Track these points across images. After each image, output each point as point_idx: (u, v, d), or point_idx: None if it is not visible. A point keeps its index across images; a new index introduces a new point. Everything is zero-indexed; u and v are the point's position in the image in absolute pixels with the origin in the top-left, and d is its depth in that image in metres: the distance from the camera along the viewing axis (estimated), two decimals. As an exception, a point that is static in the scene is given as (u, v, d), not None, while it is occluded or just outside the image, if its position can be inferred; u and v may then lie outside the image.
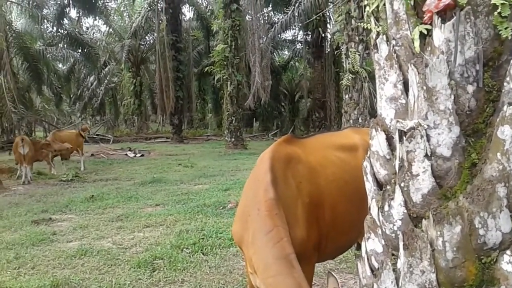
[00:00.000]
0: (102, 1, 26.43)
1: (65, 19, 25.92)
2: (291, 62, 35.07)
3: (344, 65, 13.40)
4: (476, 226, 2.03)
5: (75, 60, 30.00)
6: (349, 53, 12.65)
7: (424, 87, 2.08)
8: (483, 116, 2.11)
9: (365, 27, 2.64)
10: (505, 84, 2.01)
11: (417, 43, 2.16)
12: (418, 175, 2.17)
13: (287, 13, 21.69)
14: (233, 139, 21.97)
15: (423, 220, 2.18)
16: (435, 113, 2.10)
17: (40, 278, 4.66)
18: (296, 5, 19.62)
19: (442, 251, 2.08)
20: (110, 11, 31.05)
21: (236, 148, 21.41)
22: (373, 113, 12.10)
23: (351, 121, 12.82)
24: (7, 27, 20.22)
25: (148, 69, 35.97)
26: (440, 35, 2.08)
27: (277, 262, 2.37)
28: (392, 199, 2.31)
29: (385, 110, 2.41)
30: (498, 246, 2.05)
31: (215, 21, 23.20)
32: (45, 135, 23.84)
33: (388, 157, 2.42)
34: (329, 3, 20.35)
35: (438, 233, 2.08)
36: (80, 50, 26.95)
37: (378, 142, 2.44)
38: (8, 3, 22.53)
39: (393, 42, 2.32)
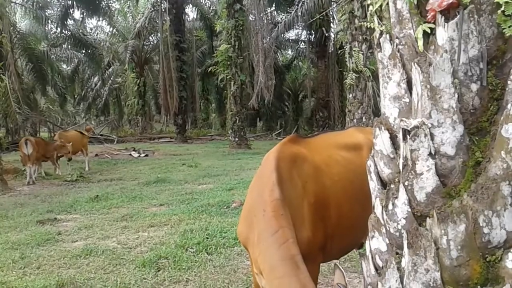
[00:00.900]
0: (105, 2, 26.52)
1: (69, 20, 26.06)
2: (295, 61, 35.08)
3: (348, 64, 13.37)
4: (481, 225, 2.03)
5: (79, 60, 30.13)
6: (353, 52, 12.61)
7: (428, 86, 2.08)
8: (487, 115, 2.10)
9: (369, 26, 2.64)
10: (509, 82, 2.01)
11: (420, 42, 2.16)
12: (422, 173, 2.17)
13: (291, 12, 21.73)
14: (237, 139, 21.98)
15: (427, 218, 2.18)
16: (439, 111, 2.10)
17: (45, 278, 4.69)
18: (300, 4, 19.64)
19: (446, 249, 2.08)
20: (114, 12, 31.12)
21: (240, 147, 21.42)
22: (376, 112, 12.09)
23: (355, 120, 12.79)
24: (11, 28, 20.30)
25: (152, 69, 36.03)
26: (444, 34, 2.08)
27: (283, 264, 2.36)
28: (396, 198, 2.31)
29: (389, 109, 2.41)
30: (502, 245, 2.04)
31: (219, 21, 23.20)
32: (50, 135, 23.98)
33: (392, 156, 2.42)
34: (332, 3, 20.31)
35: (443, 231, 2.08)
36: (84, 51, 27.09)
37: (382, 141, 2.44)
38: (12, 4, 22.64)
39: (397, 41, 2.32)
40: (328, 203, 2.92)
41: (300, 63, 35.83)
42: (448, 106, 2.08)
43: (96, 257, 5.42)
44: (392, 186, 2.41)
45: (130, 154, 20.12)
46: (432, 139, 2.12)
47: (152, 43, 33.56)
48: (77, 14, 26.68)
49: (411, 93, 2.25)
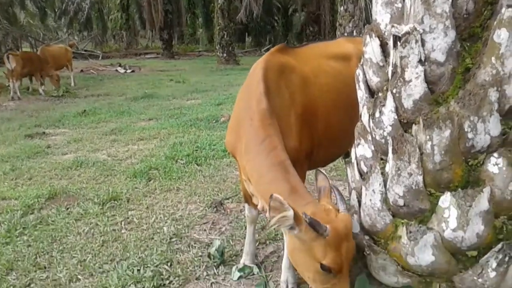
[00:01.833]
0: None
1: None
2: (285, -28, 33.47)
3: (340, -25, 12.85)
4: (466, 130, 2.08)
5: (58, -30, 28.41)
6: (345, -38, 12.07)
7: (422, -11, 2.02)
8: (480, 20, 2.07)
9: None
10: (505, -15, 1.96)
11: None
12: (410, 81, 2.17)
13: None
14: (225, 55, 21.57)
15: (413, 125, 2.22)
16: (431, 16, 2.05)
17: (37, 188, 4.79)
18: None
19: (430, 154, 2.14)
20: None
21: (228, 63, 21.09)
22: (368, 26, 11.81)
23: (345, 34, 12.54)
24: None
25: (134, -20, 34.24)
26: None
27: (272, 169, 2.41)
28: (384, 105, 2.33)
29: (380, 15, 2.36)
30: (485, 149, 2.11)
31: None
32: (32, 50, 23.21)
33: (381, 64, 2.41)
34: None
35: (427, 137, 2.13)
36: (62, -40, 25.43)
37: (372, 49, 2.41)
38: None
39: None
40: (315, 113, 2.93)
41: (290, -26, 34.23)
42: (441, 11, 2.03)
43: (87, 168, 5.51)
44: (380, 94, 2.42)
45: (116, 70, 19.73)
46: (423, 45, 2.10)
47: (134, -49, 31.57)
48: None
49: (404, -2, 2.19)
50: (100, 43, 34.28)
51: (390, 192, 2.30)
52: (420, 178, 2.19)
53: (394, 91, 2.26)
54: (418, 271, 2.27)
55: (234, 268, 3.13)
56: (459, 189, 2.11)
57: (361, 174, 2.61)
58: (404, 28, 2.15)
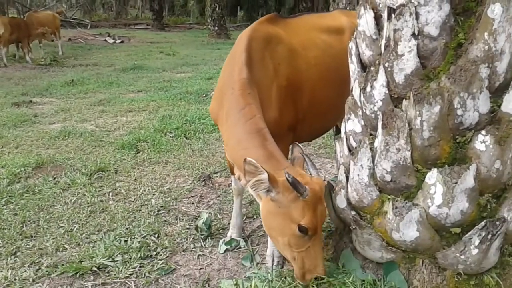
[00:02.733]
0: None
1: None
2: None
3: None
4: (455, 106, 2.07)
5: None
6: None
7: (419, -40, 1.98)
8: (475, -6, 2.04)
9: None
10: (502, -41, 1.93)
11: None
12: (403, 55, 2.15)
13: None
14: (216, 28, 21.30)
15: (404, 100, 2.21)
16: (426, -11, 2.02)
17: (24, 157, 4.73)
18: None
19: (419, 130, 2.14)
20: None
21: (219, 37, 20.82)
22: (361, 2, 11.66)
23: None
24: None
25: None
26: None
27: (249, 137, 2.43)
28: (375, 80, 2.32)
29: (376, -13, 2.31)
30: (473, 127, 2.11)
31: None
32: (19, 17, 22.67)
33: (374, 37, 2.38)
34: None
35: (417, 112, 2.12)
36: None
37: (366, 21, 2.38)
38: None
39: None
40: (300, 86, 2.91)
41: None
42: (437, -16, 2.00)
43: (75, 138, 5.45)
44: (372, 68, 2.39)
45: (105, 40, 19.41)
46: (417, 18, 2.07)
47: None
48: None
49: (400, -31, 2.14)
50: (89, 12, 33.62)
51: (377, 167, 2.30)
52: (408, 154, 2.20)
53: (386, 65, 2.24)
54: (402, 247, 2.29)
55: (221, 241, 3.15)
56: (446, 166, 2.12)
57: (350, 149, 2.61)
58: (399, 0, 2.12)
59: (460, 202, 2.09)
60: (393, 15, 2.11)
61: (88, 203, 3.76)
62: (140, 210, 3.66)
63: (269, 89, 2.71)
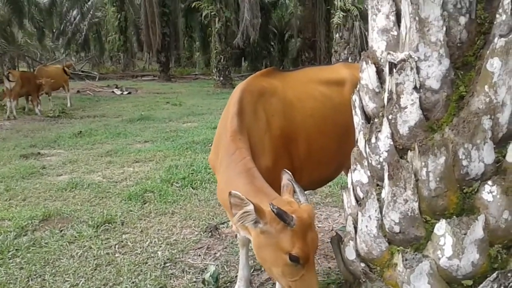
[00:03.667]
0: None
1: None
2: (281, -1, 34.05)
3: (336, 3, 13.13)
4: (460, 157, 2.10)
5: (57, -8, 28.74)
6: (341, -10, 12.32)
7: (417, 18, 2.07)
8: (474, 49, 2.12)
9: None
10: (497, 16, 2.01)
11: (412, -28, 2.12)
12: (406, 107, 2.20)
13: None
14: (221, 78, 21.74)
15: (409, 151, 2.24)
16: (426, 45, 2.10)
17: (32, 209, 4.75)
18: None
19: (425, 181, 2.16)
20: None
21: (224, 87, 21.20)
22: (363, 52, 11.99)
23: (340, 60, 12.72)
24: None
25: (133, 3, 34.58)
26: (436, -36, 2.04)
27: (238, 176, 2.48)
28: (380, 131, 2.36)
29: (377, 42, 2.40)
30: (480, 177, 2.13)
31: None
32: (29, 71, 23.30)
33: (377, 90, 2.44)
34: None
35: (423, 163, 2.14)
36: (61, -18, 25.77)
37: (368, 75, 2.45)
38: None
39: (388, -29, 2.27)
40: (296, 137, 2.98)
41: (286, 1, 34.78)
42: (436, 39, 2.08)
43: (82, 190, 5.48)
44: (376, 120, 2.44)
45: (113, 91, 19.81)
46: (418, 72, 2.14)
47: (133, -26, 32.07)
48: None
49: (399, 26, 2.24)
50: (97, 64, 34.49)
51: (386, 218, 2.30)
52: (415, 204, 2.20)
53: (390, 117, 2.29)
54: (414, 299, 2.25)
55: (228, 294, 3.10)
56: (454, 216, 2.12)
57: (357, 200, 2.61)
58: (400, 55, 2.20)
59: (471, 253, 2.07)
60: (394, 70, 2.18)
61: (94, 256, 3.73)
62: (146, 263, 3.62)
63: (262, 139, 2.80)
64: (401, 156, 2.30)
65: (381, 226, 2.35)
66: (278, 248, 2.15)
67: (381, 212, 2.36)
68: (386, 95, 2.33)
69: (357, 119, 2.66)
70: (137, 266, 3.56)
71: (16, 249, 3.84)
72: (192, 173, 6.03)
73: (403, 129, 2.25)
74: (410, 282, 2.19)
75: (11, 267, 3.53)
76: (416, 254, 2.20)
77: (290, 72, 3.41)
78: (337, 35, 13.23)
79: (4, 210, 4.79)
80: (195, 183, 5.64)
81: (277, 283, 2.81)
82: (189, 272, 3.47)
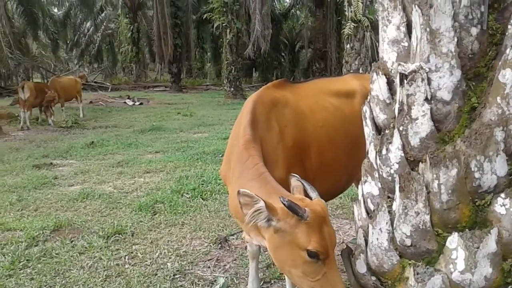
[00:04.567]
0: None
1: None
2: (292, 10, 34.21)
3: (347, 14, 13.14)
4: (472, 169, 2.07)
5: (71, 4, 29.29)
6: (352, 1, 12.35)
7: (428, 29, 2.05)
8: (485, 60, 2.09)
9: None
10: (509, 27, 1.99)
11: (422, -16, 2.11)
12: (417, 118, 2.18)
13: (289, -43, 20.95)
14: (232, 89, 21.83)
15: (420, 163, 2.21)
16: (437, 56, 2.08)
17: (43, 220, 4.78)
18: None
19: (437, 193, 2.12)
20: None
21: (235, 98, 21.29)
22: (374, 63, 11.99)
23: (351, 71, 12.70)
24: (0, -31, 19.49)
25: (145, 15, 35.09)
26: (447, -25, 2.03)
27: (252, 181, 2.46)
28: (390, 143, 2.33)
29: (387, 54, 2.39)
30: (492, 189, 2.09)
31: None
32: (43, 81, 23.66)
33: (388, 101, 2.42)
34: None
35: (434, 176, 2.12)
36: (75, -6, 26.24)
37: (379, 86, 2.43)
38: None
39: (398, -18, 2.27)
40: (308, 147, 2.97)
41: (297, 11, 34.96)
42: (447, 50, 2.06)
43: (93, 200, 5.50)
44: (386, 131, 2.42)
45: (125, 102, 20.00)
46: (429, 83, 2.12)
47: (145, -14, 32.50)
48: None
49: (410, 37, 2.22)
50: (110, 75, 34.88)
51: (397, 231, 2.27)
52: (427, 217, 2.17)
53: (400, 128, 2.27)
54: (426, 314, 2.21)
55: (238, 306, 3.07)
56: (467, 229, 2.08)
57: (368, 212, 2.58)
58: (411, 66, 2.18)
59: (483, 267, 2.03)
60: (405, 81, 2.17)
61: (104, 267, 3.73)
62: (156, 274, 3.61)
63: (275, 149, 2.79)
64: (412, 168, 2.27)
65: (392, 239, 2.32)
66: (294, 245, 2.10)
67: (392, 224, 2.33)
68: (397, 106, 2.31)
69: (368, 130, 2.63)
70: (146, 277, 3.55)
71: (27, 260, 3.86)
72: (202, 184, 6.04)
73: (414, 141, 2.23)
74: (422, 296, 2.15)
75: (22, 278, 3.55)
76: (428, 268, 2.16)
77: (301, 84, 3.42)
78: (348, 46, 13.23)
79: (16, 220, 4.83)
80: (205, 194, 5.64)
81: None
82: (199, 284, 3.45)
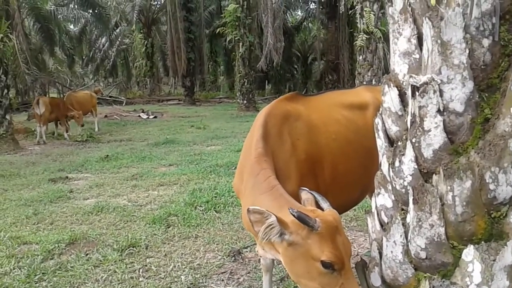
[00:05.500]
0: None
1: (74, -22, 25.61)
2: (304, 23, 34.40)
3: (359, 25, 13.16)
4: (487, 181, 2.04)
5: (86, 21, 29.78)
6: (364, 13, 12.37)
7: (439, 41, 2.06)
8: (498, 71, 2.08)
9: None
10: (521, 37, 1.98)
11: (432, -4, 2.11)
12: (429, 130, 2.17)
13: (301, -29, 21.12)
14: (245, 102, 21.92)
15: (434, 175, 2.19)
16: (449, 67, 2.07)
17: (58, 233, 4.83)
18: (310, -37, 19.07)
19: (451, 205, 2.11)
20: (120, -30, 30.53)
21: (248, 110, 21.36)
22: (387, 74, 11.97)
23: (364, 82, 12.69)
24: (18, -13, 19.96)
25: (159, 30, 35.61)
26: (457, -13, 2.03)
27: (264, 195, 2.46)
28: (403, 155, 2.32)
29: (398, 66, 2.39)
30: (508, 201, 2.06)
31: (227, -21, 22.71)
32: (59, 96, 24.04)
33: (400, 113, 2.42)
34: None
35: (448, 187, 2.10)
36: (91, 11, 26.73)
37: (391, 98, 2.43)
38: (17, -38, 22.20)
39: (408, -5, 2.28)
40: (321, 160, 2.96)
41: (309, 24, 35.12)
42: (459, 62, 2.05)
43: (108, 213, 5.55)
44: (399, 143, 2.41)
45: (139, 116, 20.21)
46: (441, 95, 2.11)
47: (159, 2, 33.02)
48: (83, -28, 26.18)
49: (421, 49, 2.22)
50: (125, 90, 35.31)
51: (411, 244, 2.25)
52: (442, 230, 2.15)
53: (413, 140, 2.26)
54: (443, 328, 2.18)
55: (251, 320, 3.06)
56: (483, 242, 2.05)
57: (381, 224, 2.56)
58: (422, 78, 2.18)
59: (500, 280, 1.99)
60: (417, 93, 2.16)
61: (119, 280, 3.75)
62: (170, 287, 3.62)
63: (288, 162, 2.78)
64: (425, 180, 2.25)
65: (406, 252, 2.29)
66: (308, 257, 2.09)
67: (406, 237, 2.31)
68: (409, 118, 2.30)
69: (380, 143, 2.63)
70: (160, 290, 3.56)
71: (42, 273, 3.90)
72: (216, 197, 6.05)
73: (427, 153, 2.21)
74: (438, 310, 2.12)
75: (38, 291, 3.58)
76: (443, 281, 2.13)
77: (313, 96, 3.43)
78: (361, 57, 13.22)
79: (32, 234, 4.88)
80: (218, 207, 5.65)
81: None
82: (212, 297, 3.45)
